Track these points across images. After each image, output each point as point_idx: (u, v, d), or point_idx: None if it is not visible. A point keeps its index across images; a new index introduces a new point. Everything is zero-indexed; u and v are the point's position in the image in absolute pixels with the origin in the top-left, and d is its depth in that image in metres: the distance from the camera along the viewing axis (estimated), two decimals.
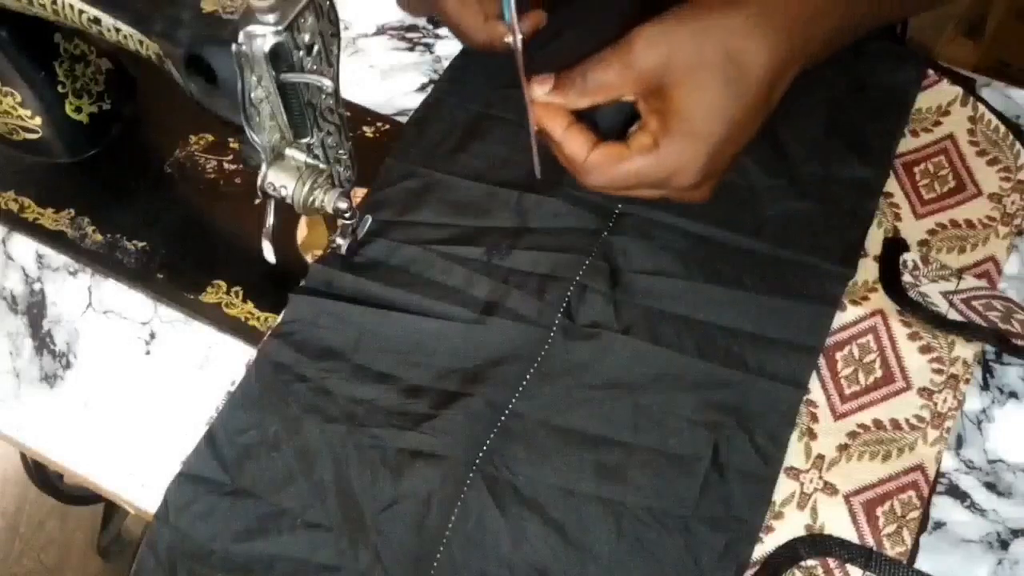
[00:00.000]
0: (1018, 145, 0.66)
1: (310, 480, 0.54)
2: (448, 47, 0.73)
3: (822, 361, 0.58)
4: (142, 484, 0.57)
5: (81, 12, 0.53)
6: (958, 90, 0.68)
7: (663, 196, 0.53)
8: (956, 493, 0.55)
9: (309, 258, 0.63)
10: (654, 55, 0.48)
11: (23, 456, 1.08)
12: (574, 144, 0.51)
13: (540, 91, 0.52)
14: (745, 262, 0.61)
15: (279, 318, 0.60)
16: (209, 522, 0.53)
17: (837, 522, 0.53)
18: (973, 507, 0.55)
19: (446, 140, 0.67)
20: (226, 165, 0.68)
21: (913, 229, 0.63)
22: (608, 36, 0.71)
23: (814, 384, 0.57)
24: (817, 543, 0.52)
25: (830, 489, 0.54)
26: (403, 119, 0.69)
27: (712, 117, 0.48)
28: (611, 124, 0.55)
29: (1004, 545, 0.54)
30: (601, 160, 0.51)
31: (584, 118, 0.53)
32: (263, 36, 0.47)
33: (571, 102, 0.51)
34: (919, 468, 0.55)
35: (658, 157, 0.49)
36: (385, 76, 0.73)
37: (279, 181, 0.54)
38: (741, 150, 0.51)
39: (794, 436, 0.56)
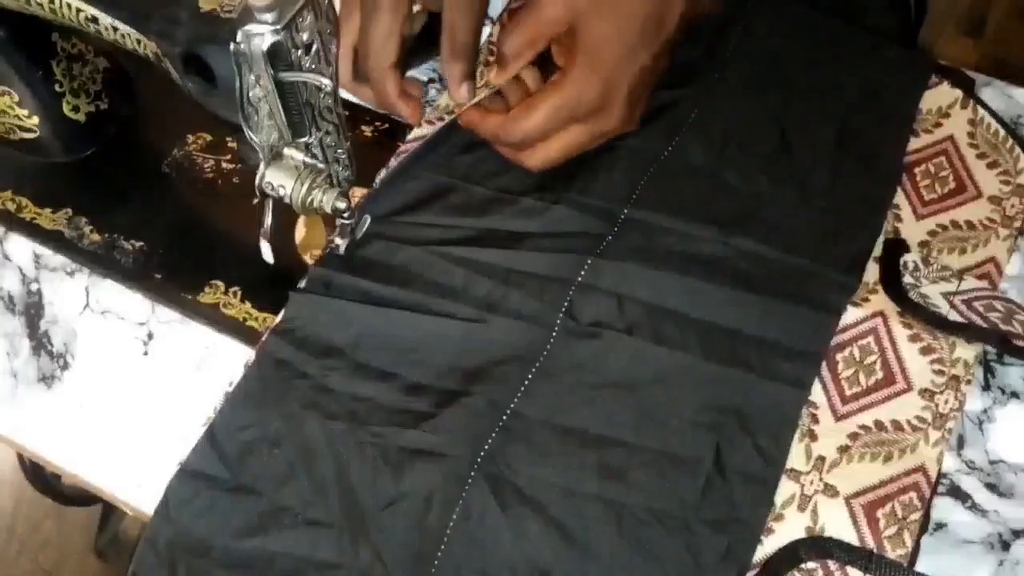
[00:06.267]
0: (1017, 149, 0.66)
1: (311, 477, 0.54)
2: None
3: (823, 363, 0.58)
4: (139, 485, 0.57)
5: (79, 11, 0.53)
6: (958, 93, 0.68)
7: (591, 134, 0.58)
8: (957, 494, 0.55)
9: (308, 258, 0.63)
10: (560, 5, 0.56)
11: (20, 457, 1.07)
12: (494, 117, 0.59)
13: (463, 91, 0.58)
14: (750, 267, 0.60)
15: (278, 317, 0.60)
16: (209, 518, 0.53)
17: (837, 524, 0.53)
18: (974, 508, 0.55)
19: (447, 142, 0.67)
20: (224, 165, 0.68)
21: (914, 230, 0.63)
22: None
23: (815, 385, 0.57)
24: (817, 545, 0.52)
25: (831, 491, 0.54)
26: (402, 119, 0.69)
27: (604, 44, 0.56)
28: None
29: (1005, 546, 0.53)
30: (521, 108, 0.58)
31: None
32: (261, 35, 0.47)
33: (508, 74, 0.58)
34: (920, 469, 0.55)
35: (563, 86, 0.56)
36: None
37: (277, 181, 0.53)
38: (639, 77, 0.57)
39: (795, 437, 0.55)
